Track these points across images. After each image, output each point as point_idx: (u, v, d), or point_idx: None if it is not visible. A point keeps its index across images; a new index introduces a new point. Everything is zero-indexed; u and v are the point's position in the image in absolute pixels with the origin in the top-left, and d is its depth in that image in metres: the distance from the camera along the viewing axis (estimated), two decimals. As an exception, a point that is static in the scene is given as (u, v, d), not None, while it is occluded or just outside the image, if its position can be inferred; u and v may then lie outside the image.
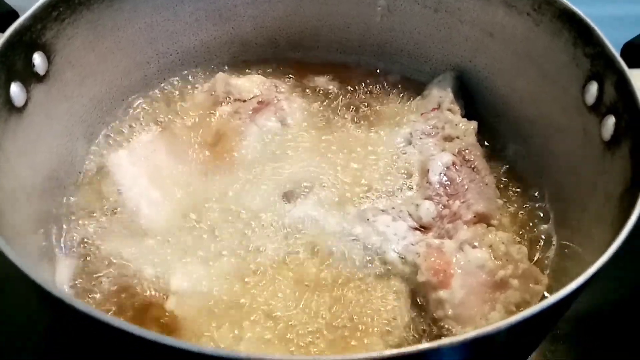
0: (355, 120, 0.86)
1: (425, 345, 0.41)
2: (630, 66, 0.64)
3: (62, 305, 0.47)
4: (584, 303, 0.54)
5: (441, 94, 0.85)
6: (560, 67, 0.73)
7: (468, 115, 0.84)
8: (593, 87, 0.68)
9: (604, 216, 0.62)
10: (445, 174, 0.76)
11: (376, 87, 0.91)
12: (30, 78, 0.67)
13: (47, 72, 0.69)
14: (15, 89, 0.64)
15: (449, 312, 0.65)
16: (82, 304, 0.46)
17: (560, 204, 0.75)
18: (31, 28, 0.66)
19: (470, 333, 0.40)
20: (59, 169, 0.74)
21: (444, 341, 0.40)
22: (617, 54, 0.65)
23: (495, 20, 0.80)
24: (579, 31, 0.69)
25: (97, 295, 0.68)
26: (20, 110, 0.65)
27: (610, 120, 0.64)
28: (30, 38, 0.66)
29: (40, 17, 0.67)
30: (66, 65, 0.72)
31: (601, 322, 0.76)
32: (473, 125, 0.82)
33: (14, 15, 0.77)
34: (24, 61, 0.65)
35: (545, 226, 0.76)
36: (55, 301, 0.47)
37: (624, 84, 0.63)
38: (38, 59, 0.67)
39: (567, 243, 0.72)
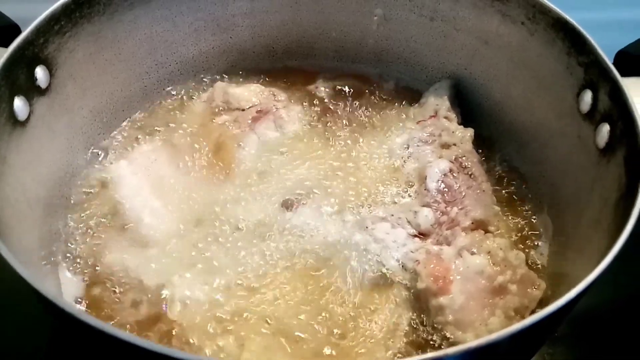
0: (353, 128, 0.87)
1: (430, 354, 0.41)
2: (623, 75, 0.65)
3: (68, 317, 0.47)
4: (582, 305, 0.55)
5: (438, 102, 0.86)
6: (555, 75, 0.74)
7: (464, 122, 0.85)
8: (587, 95, 0.69)
9: (601, 221, 0.63)
10: (442, 181, 0.77)
11: (373, 95, 0.91)
12: (32, 92, 0.67)
13: (49, 85, 0.70)
14: (19, 103, 0.64)
15: (449, 318, 0.66)
16: (88, 316, 0.46)
17: (556, 210, 0.76)
18: (34, 42, 0.66)
19: (474, 342, 0.41)
20: (61, 180, 0.75)
21: (449, 350, 0.41)
22: (610, 62, 0.66)
23: (490, 28, 0.81)
24: (573, 40, 0.71)
25: (101, 305, 0.68)
26: (24, 123, 0.66)
27: (605, 128, 0.65)
28: (33, 52, 0.66)
29: (43, 31, 0.67)
30: (67, 78, 0.72)
31: (599, 324, 0.77)
32: (469, 132, 0.82)
33: (15, 28, 0.77)
34: (26, 75, 0.66)
35: (541, 231, 0.77)
36: (61, 313, 0.48)
37: (617, 93, 0.64)
38: (40, 72, 0.68)
39: (564, 248, 0.73)
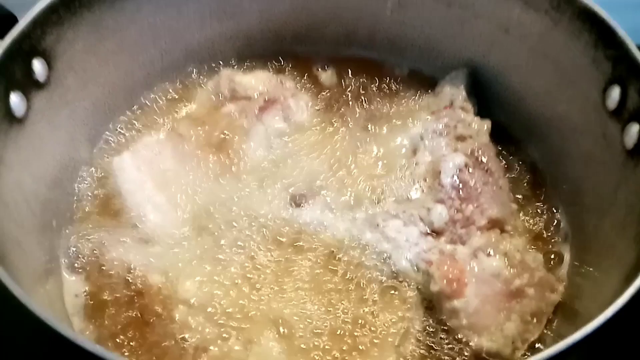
0: (364, 118, 0.84)
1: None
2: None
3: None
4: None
5: (454, 92, 0.83)
6: (579, 68, 0.70)
7: (481, 113, 0.82)
8: (615, 92, 0.66)
9: (626, 229, 0.61)
10: (457, 177, 0.74)
11: (386, 84, 0.88)
12: (30, 86, 0.65)
13: (48, 78, 0.67)
14: (15, 99, 0.62)
15: (464, 322, 0.65)
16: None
17: (576, 210, 0.74)
18: (30, 35, 0.64)
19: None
20: (62, 176, 0.73)
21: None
22: (642, 56, 0.63)
23: (511, 16, 0.77)
24: (600, 32, 0.67)
25: (103, 304, 0.67)
26: (21, 120, 0.64)
27: (634, 128, 0.62)
28: (30, 45, 0.64)
29: (40, 22, 0.64)
30: (67, 70, 0.70)
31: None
32: (486, 124, 0.80)
33: (11, 19, 0.74)
34: (23, 69, 0.64)
35: (561, 232, 0.75)
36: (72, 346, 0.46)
37: (649, 91, 0.61)
38: (38, 65, 0.65)
39: (584, 251, 0.71)
